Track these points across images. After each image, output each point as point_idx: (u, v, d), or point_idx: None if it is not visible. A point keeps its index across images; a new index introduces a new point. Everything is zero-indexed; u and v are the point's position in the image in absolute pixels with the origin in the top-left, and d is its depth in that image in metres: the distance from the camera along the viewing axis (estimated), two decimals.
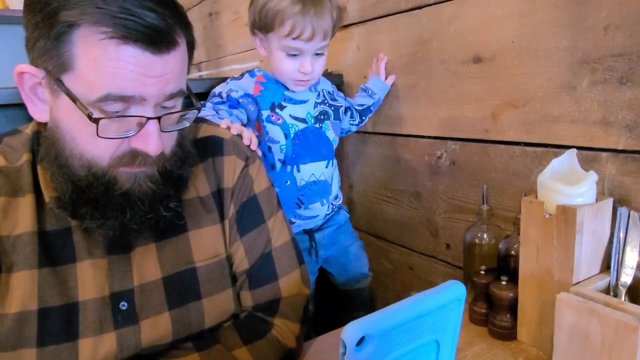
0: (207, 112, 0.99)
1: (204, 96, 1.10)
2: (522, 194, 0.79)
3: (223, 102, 1.03)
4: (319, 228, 1.21)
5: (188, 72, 0.65)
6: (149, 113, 0.58)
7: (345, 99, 1.22)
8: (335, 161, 1.17)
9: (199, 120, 0.80)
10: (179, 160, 0.67)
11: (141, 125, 0.59)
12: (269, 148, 1.08)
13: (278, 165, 1.08)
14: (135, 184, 0.62)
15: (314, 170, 1.11)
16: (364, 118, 1.24)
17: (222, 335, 0.72)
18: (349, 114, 1.22)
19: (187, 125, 0.65)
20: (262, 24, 1.00)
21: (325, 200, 1.15)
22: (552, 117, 0.86)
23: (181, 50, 0.60)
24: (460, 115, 1.05)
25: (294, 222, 1.15)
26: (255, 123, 1.07)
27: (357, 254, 1.28)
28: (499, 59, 0.94)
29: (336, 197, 1.20)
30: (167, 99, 0.60)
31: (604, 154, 0.80)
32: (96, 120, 0.56)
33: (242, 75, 1.10)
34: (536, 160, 0.91)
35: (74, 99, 0.56)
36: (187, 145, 0.69)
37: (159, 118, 0.59)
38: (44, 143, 0.64)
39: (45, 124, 0.63)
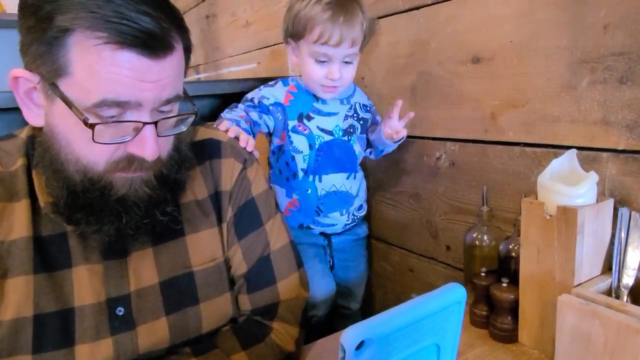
0: (238, 112, 1.01)
1: (201, 99, 1.10)
2: (522, 195, 0.79)
3: (254, 107, 1.06)
4: (339, 234, 1.21)
5: (185, 76, 0.64)
6: (145, 118, 0.58)
7: (375, 118, 1.20)
8: (360, 174, 1.18)
9: (197, 123, 0.80)
10: (176, 164, 0.66)
11: (137, 130, 0.58)
12: (292, 157, 1.09)
13: (300, 174, 1.10)
14: (131, 189, 0.61)
15: (334, 181, 1.12)
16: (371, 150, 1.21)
17: (221, 339, 0.72)
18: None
19: (184, 129, 0.65)
20: (295, 32, 1.03)
21: (345, 211, 1.16)
22: (551, 117, 0.86)
23: (177, 54, 0.59)
24: (459, 115, 1.04)
25: (313, 228, 1.16)
26: (282, 132, 1.09)
27: (358, 281, 1.27)
28: (498, 59, 0.93)
29: (360, 209, 1.20)
30: (164, 104, 0.59)
31: (605, 154, 0.79)
32: (92, 126, 0.55)
33: (275, 82, 1.12)
34: (536, 160, 0.90)
35: (69, 104, 0.55)
36: (184, 149, 0.69)
37: (155, 123, 0.58)
38: (38, 148, 0.63)
39: (40, 128, 0.62)
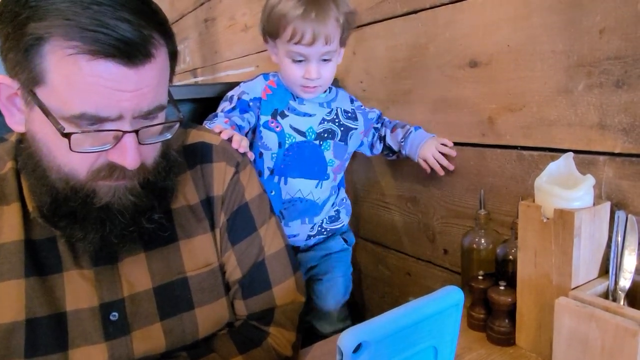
0: (220, 120, 0.97)
1: (197, 102, 1.10)
2: (519, 198, 0.79)
3: (233, 109, 1.02)
4: (307, 249, 1.15)
5: (171, 82, 0.63)
6: (125, 127, 0.56)
7: (376, 120, 1.16)
8: (329, 183, 1.11)
9: (188, 126, 0.79)
10: (163, 171, 0.65)
11: (118, 139, 0.56)
12: (260, 154, 1.06)
13: (266, 173, 1.06)
14: (114, 197, 0.60)
15: (301, 187, 1.07)
16: (384, 152, 1.17)
17: (217, 344, 0.71)
18: (373, 136, 1.16)
19: (169, 137, 0.63)
20: (270, 31, 0.99)
21: (307, 220, 1.10)
22: (548, 120, 0.86)
23: (159, 62, 0.57)
24: (456, 119, 1.04)
25: None
26: (254, 128, 1.06)
27: (331, 303, 1.17)
28: (495, 63, 0.94)
29: (333, 220, 1.14)
30: (145, 115, 0.58)
31: (601, 158, 0.79)
32: (67, 135, 0.54)
33: (256, 76, 1.09)
34: (533, 164, 0.90)
35: (46, 112, 0.54)
36: (172, 154, 0.67)
37: (136, 132, 0.57)
38: (23, 154, 0.62)
39: (25, 134, 0.61)
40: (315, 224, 1.11)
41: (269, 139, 1.05)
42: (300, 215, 1.09)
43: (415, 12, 1.09)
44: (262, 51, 1.73)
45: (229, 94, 1.06)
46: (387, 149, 1.15)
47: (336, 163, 1.11)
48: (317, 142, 1.08)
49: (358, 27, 1.26)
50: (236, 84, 1.14)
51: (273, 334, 0.74)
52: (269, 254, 0.77)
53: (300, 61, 0.99)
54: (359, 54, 1.29)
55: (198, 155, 0.75)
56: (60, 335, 0.62)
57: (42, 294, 0.62)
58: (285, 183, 1.06)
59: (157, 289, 0.68)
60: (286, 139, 1.05)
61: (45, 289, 0.62)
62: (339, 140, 1.11)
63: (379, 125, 1.16)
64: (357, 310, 1.47)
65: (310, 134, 1.07)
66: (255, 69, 1.80)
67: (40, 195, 0.60)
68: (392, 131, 1.13)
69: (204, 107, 1.19)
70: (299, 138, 1.06)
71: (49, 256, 0.63)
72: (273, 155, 1.05)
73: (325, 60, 1.00)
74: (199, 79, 2.41)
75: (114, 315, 0.65)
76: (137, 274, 0.67)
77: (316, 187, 1.09)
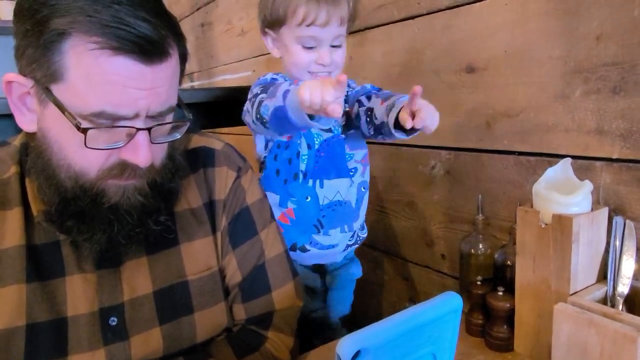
0: (275, 88, 0.85)
1: (195, 107, 1.09)
2: (517, 204, 0.79)
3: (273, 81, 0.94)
4: (336, 268, 1.09)
5: (180, 84, 0.64)
6: (139, 124, 0.57)
7: (364, 94, 0.99)
8: (359, 181, 1.02)
9: (191, 131, 0.79)
10: (170, 173, 0.66)
11: (131, 136, 0.57)
12: (298, 154, 0.98)
13: (300, 176, 0.98)
14: (123, 197, 0.60)
15: (340, 188, 0.99)
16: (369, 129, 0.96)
17: (215, 349, 0.71)
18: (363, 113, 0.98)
19: (179, 137, 0.64)
20: (274, 19, 0.92)
21: (347, 227, 1.02)
22: (545, 126, 0.86)
23: (173, 61, 0.59)
24: (453, 124, 1.05)
25: (309, 250, 1.00)
26: None
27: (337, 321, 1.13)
28: (492, 69, 0.94)
29: (363, 228, 1.07)
30: (157, 116, 0.59)
31: (599, 163, 0.80)
32: (84, 131, 0.55)
33: (264, 75, 0.99)
34: (531, 169, 0.91)
35: (62, 108, 0.55)
36: (177, 157, 0.68)
37: (149, 129, 0.58)
38: (31, 153, 0.62)
39: (34, 134, 0.62)
40: (354, 231, 1.04)
41: (300, 141, 0.97)
42: (340, 222, 1.01)
43: (412, 17, 1.09)
44: (258, 55, 1.73)
45: (255, 90, 0.92)
46: (371, 123, 0.94)
47: (354, 155, 1.02)
48: (343, 135, 1.00)
49: (355, 32, 1.26)
50: (233, 88, 1.13)
51: (271, 339, 0.74)
52: (269, 257, 0.77)
53: (310, 48, 0.92)
54: (356, 59, 1.29)
55: (201, 160, 0.76)
56: (60, 341, 0.62)
57: (43, 299, 0.62)
58: (322, 186, 0.98)
59: (157, 293, 0.68)
60: (314, 138, 0.98)
61: (46, 294, 0.62)
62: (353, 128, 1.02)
63: (363, 98, 0.99)
64: (354, 316, 1.47)
65: (337, 127, 0.99)
66: (252, 74, 1.81)
67: (49, 194, 0.60)
68: (381, 103, 0.95)
69: (200, 112, 1.20)
70: (327, 135, 0.98)
71: (51, 260, 0.63)
72: (304, 158, 0.97)
73: (335, 46, 0.93)
74: (195, 84, 2.41)
75: (113, 320, 0.65)
76: (138, 278, 0.67)
77: (350, 187, 1.01)
